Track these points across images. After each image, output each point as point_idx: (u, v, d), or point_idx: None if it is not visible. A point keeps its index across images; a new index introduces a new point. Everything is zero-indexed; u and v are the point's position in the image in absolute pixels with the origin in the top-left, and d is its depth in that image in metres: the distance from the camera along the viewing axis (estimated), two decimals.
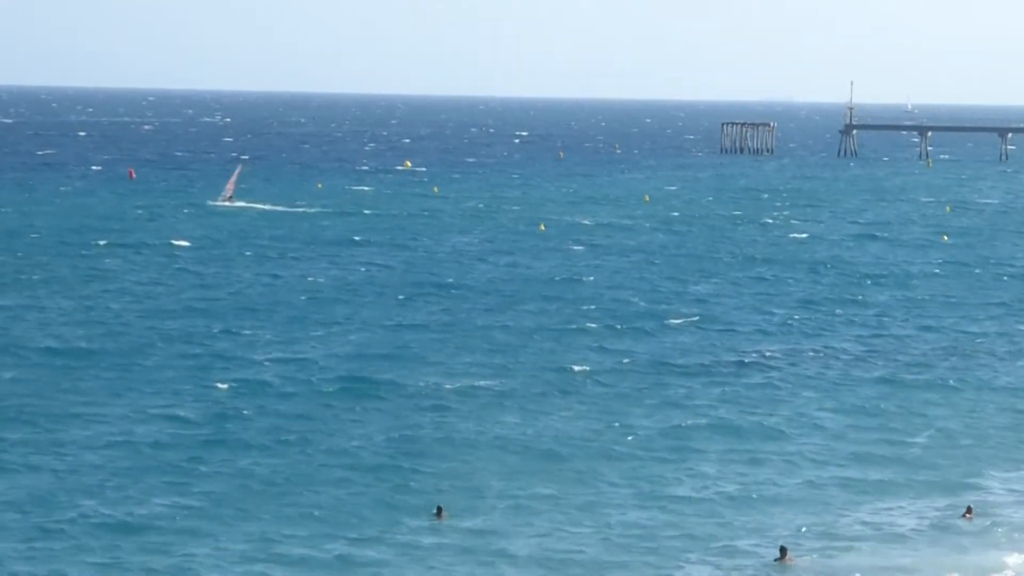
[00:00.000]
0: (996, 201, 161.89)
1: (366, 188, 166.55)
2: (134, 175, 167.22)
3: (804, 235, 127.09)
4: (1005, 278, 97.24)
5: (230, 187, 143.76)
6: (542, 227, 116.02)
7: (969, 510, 41.57)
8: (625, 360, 63.99)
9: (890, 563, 36.54)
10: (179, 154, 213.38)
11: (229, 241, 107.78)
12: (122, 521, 38.33)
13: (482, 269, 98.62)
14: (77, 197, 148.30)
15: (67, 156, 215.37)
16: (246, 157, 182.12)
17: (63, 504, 40.08)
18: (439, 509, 39.27)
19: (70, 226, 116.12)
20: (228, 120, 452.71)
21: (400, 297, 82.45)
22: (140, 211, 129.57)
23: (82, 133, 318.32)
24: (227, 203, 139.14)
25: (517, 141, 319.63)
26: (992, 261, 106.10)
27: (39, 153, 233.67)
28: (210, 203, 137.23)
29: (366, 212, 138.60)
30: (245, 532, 37.14)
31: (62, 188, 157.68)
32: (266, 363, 61.92)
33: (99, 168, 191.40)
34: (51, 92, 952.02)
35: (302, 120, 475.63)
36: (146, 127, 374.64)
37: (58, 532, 37.17)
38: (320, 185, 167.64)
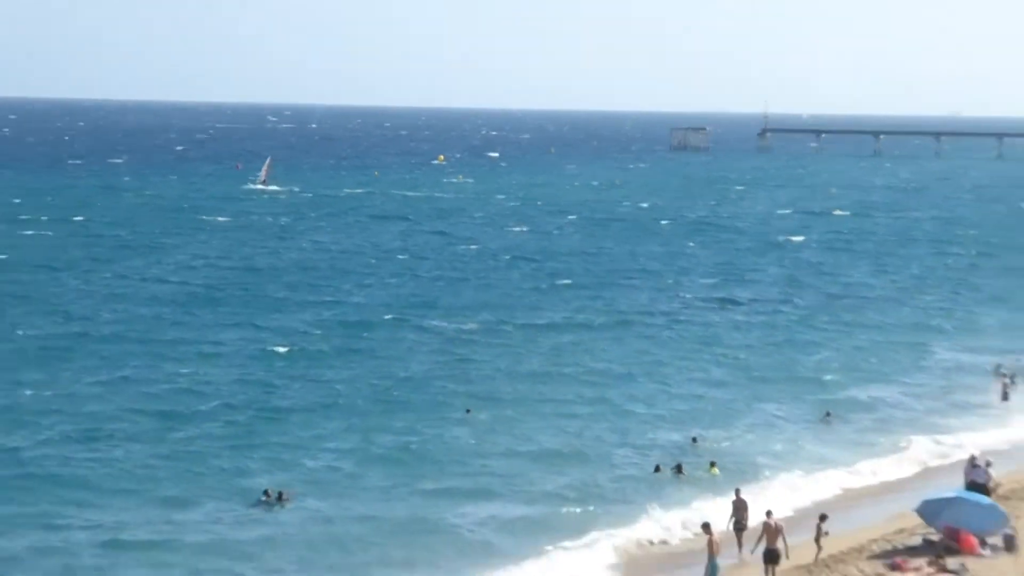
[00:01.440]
0: (878, 183, 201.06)
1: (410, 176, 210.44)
2: (240, 167, 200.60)
3: (733, 208, 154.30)
4: (872, 240, 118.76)
5: (263, 174, 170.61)
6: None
7: (828, 413, 52.74)
8: (590, 306, 76.99)
9: (768, 448, 47.94)
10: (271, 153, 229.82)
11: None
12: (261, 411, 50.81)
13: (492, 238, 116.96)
14: (199, 178, 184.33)
15: (196, 154, 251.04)
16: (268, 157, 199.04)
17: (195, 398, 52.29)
18: (468, 410, 51.63)
19: (192, 196, 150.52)
20: (313, 126, 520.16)
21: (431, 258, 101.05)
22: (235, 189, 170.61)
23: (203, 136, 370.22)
24: (262, 186, 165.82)
25: (524, 138, 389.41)
26: (864, 229, 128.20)
27: (178, 148, 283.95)
28: (251, 186, 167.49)
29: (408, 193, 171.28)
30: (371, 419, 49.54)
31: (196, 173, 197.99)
32: (352, 297, 79.87)
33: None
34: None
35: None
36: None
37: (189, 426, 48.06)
38: (376, 173, 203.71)
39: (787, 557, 36.40)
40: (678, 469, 47.04)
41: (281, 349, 65.67)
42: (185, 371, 60.10)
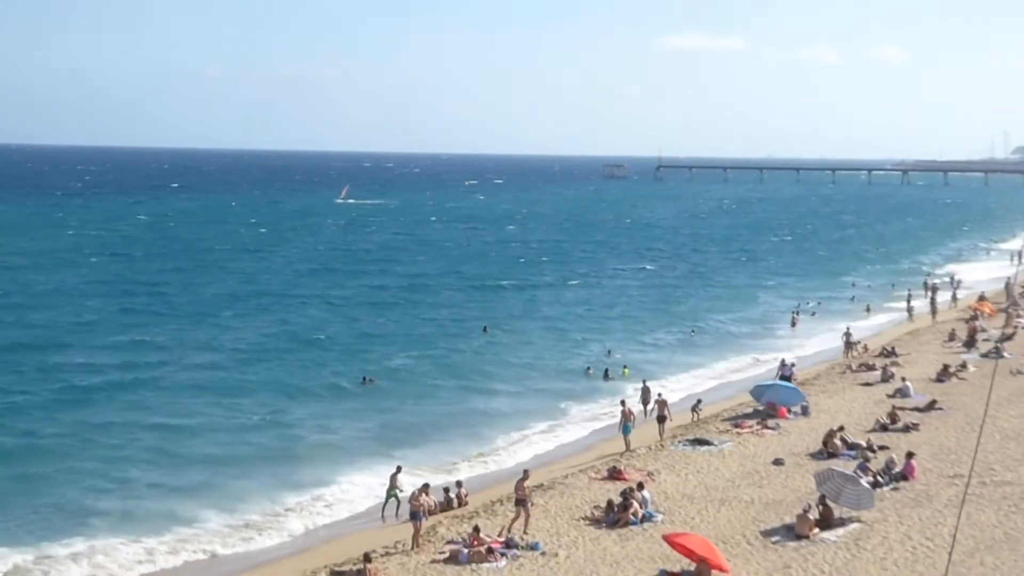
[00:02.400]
0: (726, 200, 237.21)
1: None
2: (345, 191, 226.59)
3: (643, 213, 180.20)
4: (723, 230, 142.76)
5: (344, 192, 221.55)
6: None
7: (693, 331, 70.57)
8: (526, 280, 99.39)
9: (659, 357, 62.77)
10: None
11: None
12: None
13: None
14: (309, 199, 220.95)
15: (318, 186, 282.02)
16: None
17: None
18: (485, 328, 67.53)
19: (308, 211, 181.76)
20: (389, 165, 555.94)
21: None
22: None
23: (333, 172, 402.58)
24: (343, 200, 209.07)
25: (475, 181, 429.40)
26: (718, 225, 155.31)
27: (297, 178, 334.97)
28: (337, 201, 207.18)
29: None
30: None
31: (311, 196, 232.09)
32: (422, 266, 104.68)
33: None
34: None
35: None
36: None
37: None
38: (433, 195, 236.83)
39: (671, 420, 42.95)
40: (605, 374, 55.51)
41: (374, 300, 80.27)
42: (311, 314, 74.14)
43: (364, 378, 52.87)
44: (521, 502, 30.22)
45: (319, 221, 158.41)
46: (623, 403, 42.58)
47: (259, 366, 56.19)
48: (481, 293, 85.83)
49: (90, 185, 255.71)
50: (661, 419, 42.93)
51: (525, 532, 29.68)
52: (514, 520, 30.09)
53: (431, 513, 31.69)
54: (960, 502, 27.83)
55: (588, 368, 56.92)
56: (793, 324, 73.82)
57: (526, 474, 31.48)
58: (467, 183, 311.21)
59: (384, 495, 34.70)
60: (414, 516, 29.73)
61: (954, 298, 79.05)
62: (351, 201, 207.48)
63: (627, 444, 40.36)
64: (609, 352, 61.28)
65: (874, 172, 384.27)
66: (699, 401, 46.88)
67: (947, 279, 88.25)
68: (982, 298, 73.26)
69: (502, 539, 28.51)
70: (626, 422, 41.04)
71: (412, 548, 29.28)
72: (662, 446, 40.15)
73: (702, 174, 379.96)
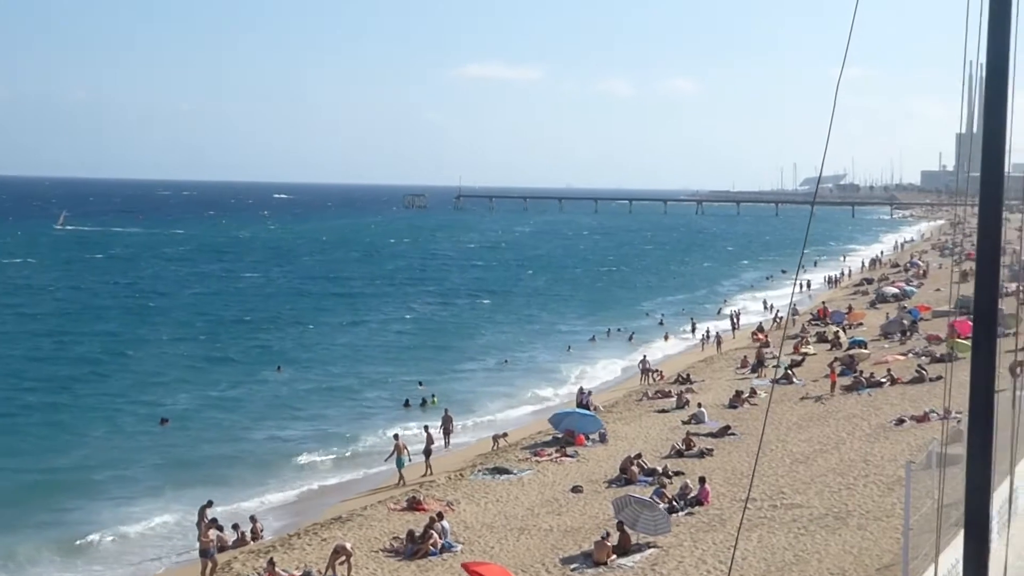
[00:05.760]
0: (527, 230, 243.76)
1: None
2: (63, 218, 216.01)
3: (436, 244, 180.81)
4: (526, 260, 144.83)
5: (61, 219, 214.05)
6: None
7: (506, 361, 72.54)
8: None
9: (469, 387, 64.64)
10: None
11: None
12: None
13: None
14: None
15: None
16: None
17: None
18: (278, 367, 68.78)
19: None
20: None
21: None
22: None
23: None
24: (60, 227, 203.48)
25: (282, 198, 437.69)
26: (520, 255, 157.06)
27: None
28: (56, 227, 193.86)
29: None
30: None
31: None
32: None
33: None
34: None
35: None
36: None
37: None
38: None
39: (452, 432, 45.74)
40: (406, 403, 56.74)
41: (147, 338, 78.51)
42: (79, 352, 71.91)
43: (161, 419, 52.32)
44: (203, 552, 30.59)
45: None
46: (396, 437, 43.50)
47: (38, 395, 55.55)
48: (279, 330, 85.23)
49: None
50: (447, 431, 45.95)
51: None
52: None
53: (223, 549, 30.99)
54: (737, 527, 28.81)
55: (406, 401, 57.87)
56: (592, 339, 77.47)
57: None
58: (264, 212, 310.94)
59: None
60: (204, 554, 29.15)
61: (734, 327, 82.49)
62: (69, 228, 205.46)
63: (400, 478, 41.32)
64: (420, 383, 61.91)
65: (670, 202, 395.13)
66: (505, 434, 48.18)
67: (733, 309, 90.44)
68: (760, 328, 75.74)
69: (299, 573, 28.07)
70: (399, 456, 41.72)
71: None
72: (461, 476, 40.53)
73: (502, 203, 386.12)
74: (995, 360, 8.57)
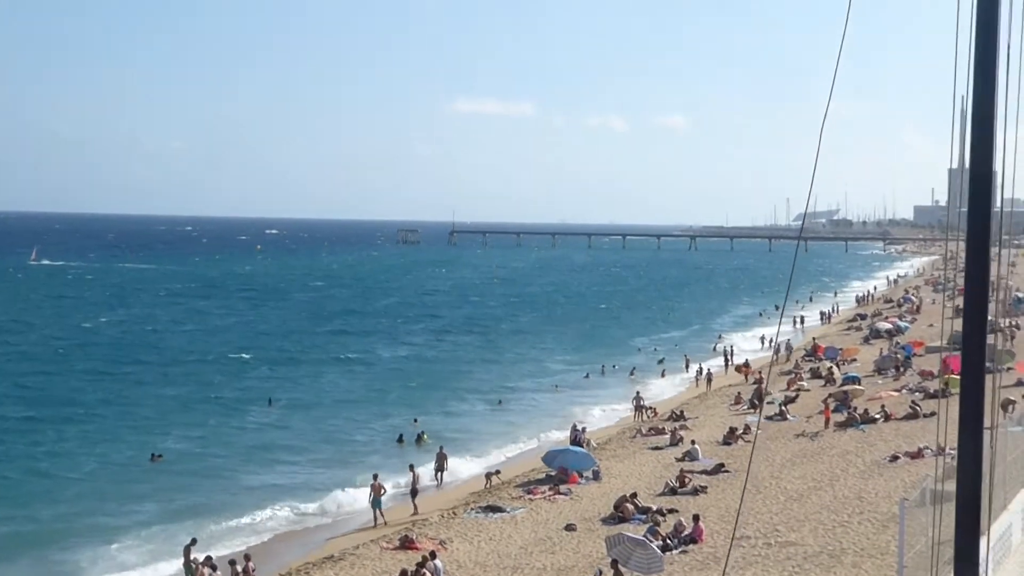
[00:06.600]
0: (521, 265, 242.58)
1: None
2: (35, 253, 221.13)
3: (445, 278, 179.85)
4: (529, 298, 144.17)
5: (34, 254, 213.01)
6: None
7: (500, 402, 71.85)
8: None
9: (461, 424, 65.06)
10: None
11: None
12: None
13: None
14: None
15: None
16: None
17: None
18: (270, 400, 67.77)
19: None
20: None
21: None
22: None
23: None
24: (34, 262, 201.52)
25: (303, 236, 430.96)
26: (520, 292, 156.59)
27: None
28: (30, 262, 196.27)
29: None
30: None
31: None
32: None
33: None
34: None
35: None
36: None
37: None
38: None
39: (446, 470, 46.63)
40: (399, 439, 56.54)
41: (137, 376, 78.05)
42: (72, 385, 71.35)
43: (152, 455, 51.98)
44: None
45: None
46: (375, 477, 43.35)
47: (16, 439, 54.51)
48: (270, 367, 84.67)
49: None
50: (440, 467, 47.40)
51: None
52: None
53: None
54: (726, 565, 28.52)
55: (400, 436, 57.86)
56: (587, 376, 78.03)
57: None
58: (258, 247, 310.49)
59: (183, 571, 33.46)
60: None
61: (727, 363, 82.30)
62: (45, 262, 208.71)
63: (375, 518, 41.59)
64: (415, 420, 61.81)
65: (663, 237, 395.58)
66: (498, 471, 48.21)
67: (728, 345, 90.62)
68: (746, 364, 76.18)
69: None
70: (376, 496, 41.81)
71: None
72: (454, 514, 40.61)
73: (496, 239, 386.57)
74: (983, 396, 8.58)
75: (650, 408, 62.35)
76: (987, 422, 8.86)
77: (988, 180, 8.59)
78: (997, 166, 9.57)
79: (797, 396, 60.10)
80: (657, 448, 50.56)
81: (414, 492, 42.78)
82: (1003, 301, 61.49)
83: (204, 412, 63.15)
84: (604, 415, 65.53)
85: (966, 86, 8.93)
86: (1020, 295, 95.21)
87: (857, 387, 59.12)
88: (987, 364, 9.23)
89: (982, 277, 8.48)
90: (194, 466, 50.50)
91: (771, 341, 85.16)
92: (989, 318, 8.93)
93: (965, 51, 8.98)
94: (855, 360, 72.56)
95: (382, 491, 41.32)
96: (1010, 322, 71.48)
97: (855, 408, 52.80)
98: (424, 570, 30.19)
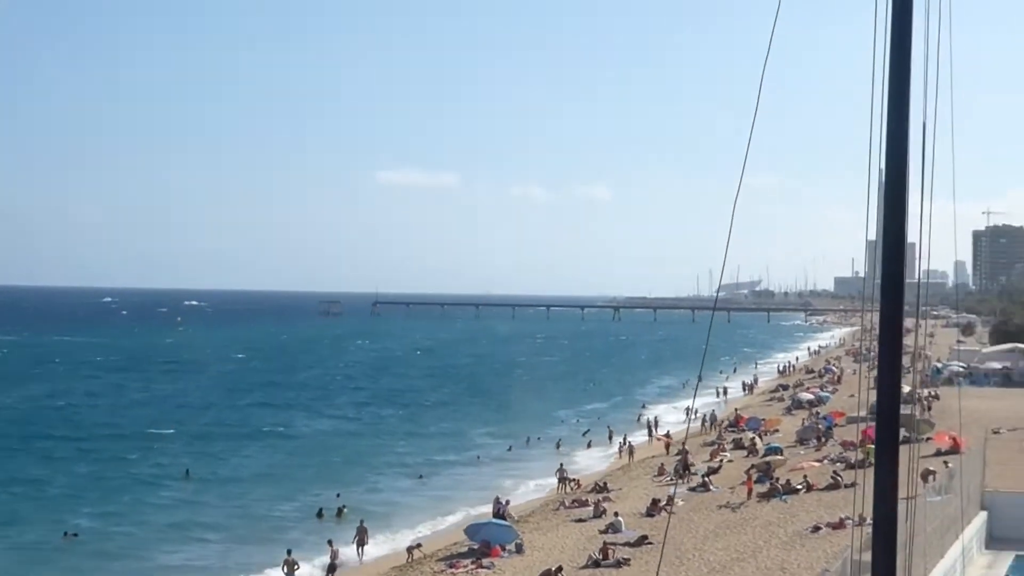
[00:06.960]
0: (444, 336, 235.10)
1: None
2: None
3: (367, 350, 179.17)
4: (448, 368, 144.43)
5: None
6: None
7: (421, 476, 71.18)
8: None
9: (381, 497, 64.11)
10: None
11: None
12: None
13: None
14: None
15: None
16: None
17: None
18: (187, 471, 66.05)
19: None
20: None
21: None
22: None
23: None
24: None
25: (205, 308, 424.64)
26: (440, 364, 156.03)
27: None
28: None
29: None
30: None
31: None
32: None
33: None
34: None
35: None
36: None
37: None
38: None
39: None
40: (319, 513, 56.12)
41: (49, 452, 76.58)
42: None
43: (65, 532, 51.33)
44: None
45: None
46: (288, 553, 43.92)
47: None
48: (188, 441, 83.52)
49: None
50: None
51: None
52: None
53: None
54: None
55: (320, 510, 57.43)
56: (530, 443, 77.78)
57: None
58: (178, 319, 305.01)
59: None
60: None
61: (650, 435, 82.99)
62: None
63: None
64: (338, 495, 61.06)
65: (587, 308, 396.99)
66: (419, 545, 47.96)
67: (650, 417, 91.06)
68: (667, 435, 77.40)
69: None
70: (290, 572, 42.82)
71: None
72: None
73: (419, 310, 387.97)
74: (897, 466, 8.57)
75: (573, 480, 62.23)
76: (906, 492, 8.82)
77: (901, 251, 8.64)
78: (914, 237, 9.64)
79: (720, 467, 60.25)
80: (580, 520, 50.41)
81: (332, 568, 42.19)
82: (921, 371, 62.27)
83: (119, 488, 62.16)
84: (530, 489, 65.73)
85: (879, 159, 9.06)
86: (939, 365, 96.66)
87: (779, 458, 59.53)
88: (906, 434, 9.22)
89: (895, 347, 8.51)
90: (108, 545, 49.67)
91: (695, 412, 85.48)
92: (907, 388, 8.93)
93: (878, 125, 9.20)
94: (777, 431, 73.13)
95: (296, 567, 41.26)
96: (929, 392, 72.42)
97: (777, 479, 53.06)
98: None
